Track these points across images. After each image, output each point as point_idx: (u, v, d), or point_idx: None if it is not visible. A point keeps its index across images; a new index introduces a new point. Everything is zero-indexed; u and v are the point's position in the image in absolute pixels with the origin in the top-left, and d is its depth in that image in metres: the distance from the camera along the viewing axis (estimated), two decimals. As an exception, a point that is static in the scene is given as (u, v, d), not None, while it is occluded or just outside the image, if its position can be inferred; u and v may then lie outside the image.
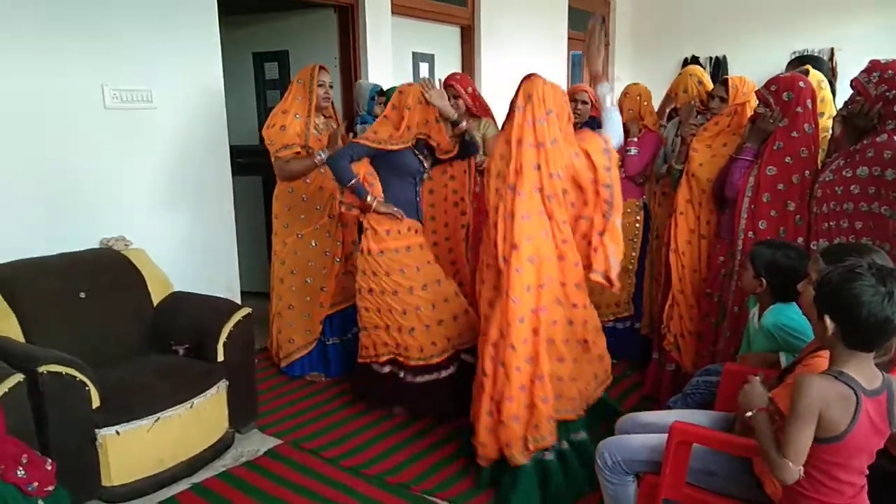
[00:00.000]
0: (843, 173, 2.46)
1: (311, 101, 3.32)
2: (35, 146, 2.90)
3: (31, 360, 2.24)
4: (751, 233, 2.74)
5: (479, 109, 3.65)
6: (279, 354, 3.63)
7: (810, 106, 2.69)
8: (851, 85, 2.52)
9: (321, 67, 3.38)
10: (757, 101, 2.82)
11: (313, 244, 3.49)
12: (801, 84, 2.69)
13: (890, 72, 2.40)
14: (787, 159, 2.68)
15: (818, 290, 1.54)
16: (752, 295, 2.41)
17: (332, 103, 3.57)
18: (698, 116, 3.36)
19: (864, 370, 1.50)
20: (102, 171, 3.14)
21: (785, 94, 2.68)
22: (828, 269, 1.56)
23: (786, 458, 1.47)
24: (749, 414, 1.64)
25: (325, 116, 3.52)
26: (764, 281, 2.25)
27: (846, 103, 2.57)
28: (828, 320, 1.50)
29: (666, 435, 1.82)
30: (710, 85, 3.52)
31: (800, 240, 2.63)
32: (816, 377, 1.50)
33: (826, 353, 1.62)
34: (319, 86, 3.34)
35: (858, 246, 1.95)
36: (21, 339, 2.55)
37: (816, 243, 2.53)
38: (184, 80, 3.44)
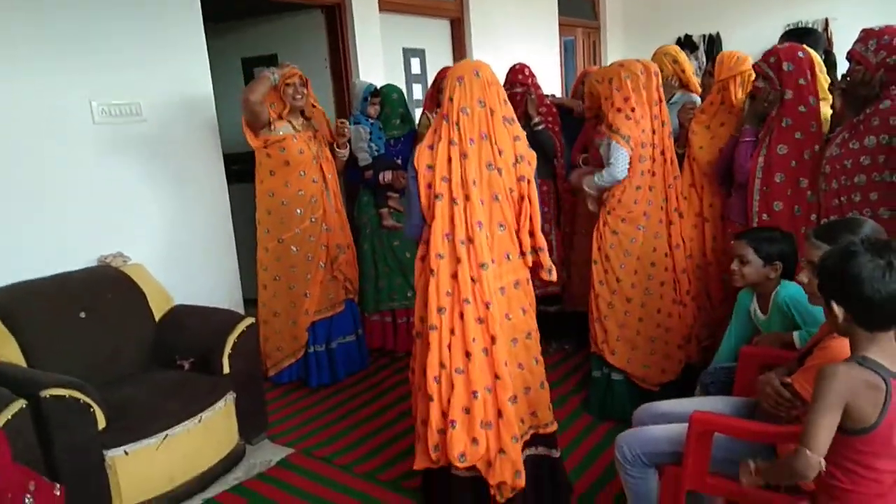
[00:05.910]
0: (850, 145, 2.40)
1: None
2: (24, 166, 2.85)
3: (34, 385, 2.20)
4: (765, 215, 2.65)
5: None
6: (267, 363, 3.54)
7: (810, 77, 2.62)
8: (848, 57, 2.46)
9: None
10: (753, 76, 2.75)
11: (294, 249, 3.42)
12: (801, 54, 2.63)
13: (886, 37, 2.34)
14: (798, 135, 2.61)
15: (819, 279, 1.48)
16: (745, 289, 2.38)
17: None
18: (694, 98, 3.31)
19: (888, 352, 1.42)
20: (95, 188, 3.09)
21: (785, 64, 2.61)
22: (825, 254, 1.50)
23: (804, 447, 1.39)
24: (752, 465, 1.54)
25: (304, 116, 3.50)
26: (779, 264, 2.23)
27: (844, 76, 2.51)
28: (835, 306, 1.43)
29: (686, 424, 1.78)
30: (685, 63, 3.47)
31: (812, 217, 2.57)
32: (841, 366, 1.41)
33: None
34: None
35: (848, 221, 1.90)
36: (23, 363, 2.51)
37: (827, 220, 2.47)
38: (172, 90, 3.39)
